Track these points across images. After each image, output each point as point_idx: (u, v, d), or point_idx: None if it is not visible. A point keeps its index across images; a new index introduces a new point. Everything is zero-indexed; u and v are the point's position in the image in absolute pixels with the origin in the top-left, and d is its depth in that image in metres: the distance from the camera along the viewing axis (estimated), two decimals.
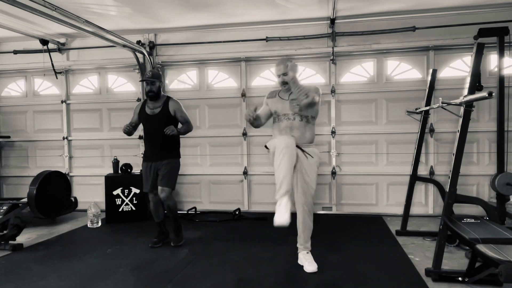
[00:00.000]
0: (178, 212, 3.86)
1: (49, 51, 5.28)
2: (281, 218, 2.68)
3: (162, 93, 3.71)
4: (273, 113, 3.25)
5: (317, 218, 4.74)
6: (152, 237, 3.83)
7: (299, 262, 3.14)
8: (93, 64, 5.54)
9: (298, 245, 3.19)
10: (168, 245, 3.75)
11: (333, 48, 4.89)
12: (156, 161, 3.62)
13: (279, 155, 2.84)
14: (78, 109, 5.70)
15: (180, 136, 3.73)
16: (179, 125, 3.71)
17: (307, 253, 3.12)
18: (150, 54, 5.28)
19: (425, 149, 4.76)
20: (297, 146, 2.99)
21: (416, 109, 4.07)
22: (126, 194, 4.80)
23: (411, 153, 4.18)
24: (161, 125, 3.50)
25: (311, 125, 3.15)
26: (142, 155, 5.37)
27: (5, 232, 3.74)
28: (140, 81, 4.96)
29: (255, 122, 3.12)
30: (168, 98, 3.70)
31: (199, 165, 5.41)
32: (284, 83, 3.13)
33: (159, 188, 3.58)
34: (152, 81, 3.55)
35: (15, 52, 5.62)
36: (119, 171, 4.98)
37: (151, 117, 3.62)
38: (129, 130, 3.59)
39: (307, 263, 3.05)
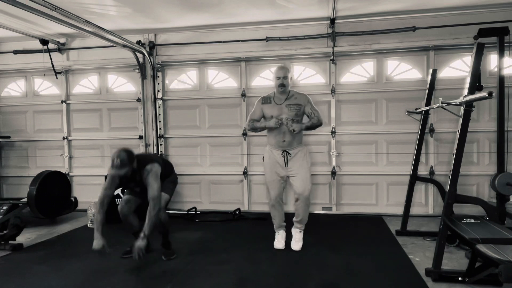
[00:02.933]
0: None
1: (49, 51, 5.28)
2: (279, 245, 3.59)
3: (135, 167, 3.10)
4: (268, 118, 3.52)
5: (317, 218, 4.79)
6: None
7: (293, 236, 3.64)
8: (93, 64, 5.54)
9: (294, 221, 3.64)
10: None
11: (333, 48, 4.89)
12: None
13: (269, 203, 3.65)
14: (78, 109, 5.70)
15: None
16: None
17: (300, 232, 3.62)
18: (150, 54, 5.28)
19: (425, 149, 4.76)
20: (285, 151, 3.49)
21: (416, 109, 4.08)
22: None
23: (411, 153, 4.18)
24: (142, 191, 3.22)
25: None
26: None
27: (5, 232, 3.74)
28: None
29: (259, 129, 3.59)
30: (142, 167, 3.14)
31: (199, 165, 5.41)
32: (282, 85, 3.45)
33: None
34: (124, 171, 2.99)
35: (15, 52, 5.62)
36: None
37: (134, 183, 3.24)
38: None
39: (295, 241, 3.57)
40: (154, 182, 3.07)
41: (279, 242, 3.61)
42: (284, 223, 3.70)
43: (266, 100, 3.58)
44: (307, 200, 3.50)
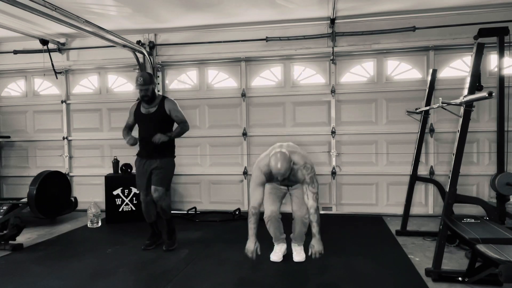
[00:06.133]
0: (174, 212, 3.81)
1: (49, 51, 5.28)
2: (275, 257, 3.31)
3: (157, 94, 3.64)
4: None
5: None
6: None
7: (293, 250, 3.39)
8: (93, 64, 5.54)
9: (291, 237, 3.38)
10: None
11: (333, 48, 4.89)
12: (150, 158, 3.54)
13: (266, 221, 3.26)
14: (78, 109, 5.70)
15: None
16: (175, 125, 3.64)
17: (299, 245, 3.38)
18: (150, 54, 5.28)
19: (425, 149, 4.76)
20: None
21: (416, 109, 4.08)
22: (126, 194, 4.80)
23: (411, 153, 4.18)
24: (157, 125, 3.48)
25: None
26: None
27: (5, 232, 3.74)
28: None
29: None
30: (164, 97, 3.63)
31: (199, 165, 5.41)
32: (284, 179, 3.02)
33: (153, 187, 3.51)
34: (145, 88, 3.46)
35: (15, 52, 5.62)
36: (119, 171, 4.98)
37: (146, 117, 3.56)
38: (134, 142, 3.56)
39: (296, 253, 3.34)
40: (182, 113, 3.59)
41: (275, 254, 3.32)
42: (283, 235, 3.37)
43: (268, 176, 3.03)
44: (304, 218, 3.17)
